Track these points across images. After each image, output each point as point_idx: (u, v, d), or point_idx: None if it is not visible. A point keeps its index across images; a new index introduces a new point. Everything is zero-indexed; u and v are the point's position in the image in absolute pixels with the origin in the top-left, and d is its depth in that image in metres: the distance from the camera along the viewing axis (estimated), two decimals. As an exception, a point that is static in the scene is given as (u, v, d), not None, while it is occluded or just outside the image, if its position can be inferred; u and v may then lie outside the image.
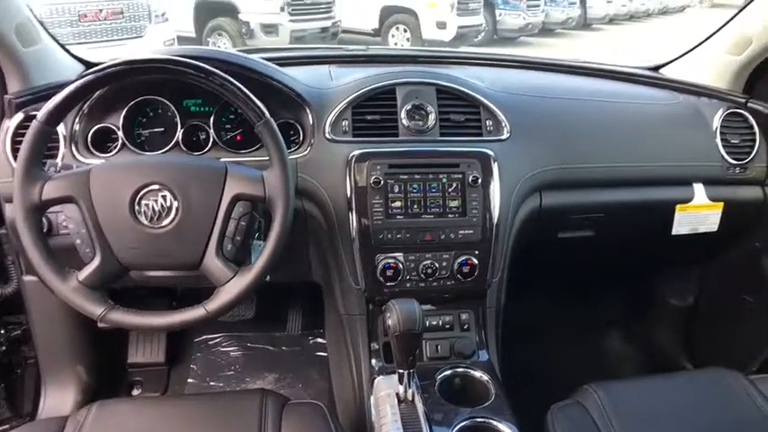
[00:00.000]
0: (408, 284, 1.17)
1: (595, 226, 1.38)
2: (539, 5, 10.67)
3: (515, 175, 1.21)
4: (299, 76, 1.25)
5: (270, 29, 7.02)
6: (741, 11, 1.42)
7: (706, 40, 1.53)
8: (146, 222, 0.93)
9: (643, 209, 1.39)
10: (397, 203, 1.14)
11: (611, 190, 1.35)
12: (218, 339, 1.88)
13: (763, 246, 1.48)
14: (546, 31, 11.42)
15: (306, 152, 1.19)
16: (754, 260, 1.50)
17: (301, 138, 1.22)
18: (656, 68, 1.66)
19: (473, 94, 1.25)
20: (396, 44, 8.51)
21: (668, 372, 1.54)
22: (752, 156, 1.41)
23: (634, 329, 1.79)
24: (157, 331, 1.68)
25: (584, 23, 13.34)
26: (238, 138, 1.22)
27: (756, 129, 1.43)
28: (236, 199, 0.95)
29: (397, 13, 8.53)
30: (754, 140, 1.42)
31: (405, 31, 8.54)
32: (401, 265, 1.16)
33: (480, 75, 1.36)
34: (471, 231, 1.17)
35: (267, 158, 0.97)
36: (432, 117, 1.21)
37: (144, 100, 1.19)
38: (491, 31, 9.83)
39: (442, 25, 8.31)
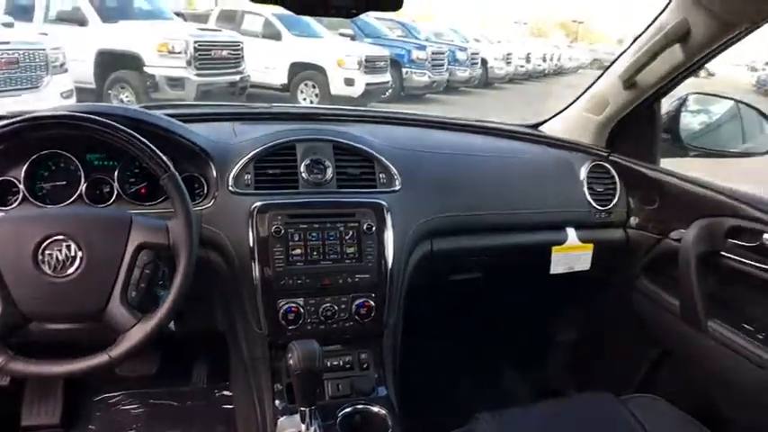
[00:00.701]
0: (309, 327, 1.24)
1: (483, 268, 1.53)
2: (443, 65, 11.37)
3: (407, 223, 1.34)
4: (203, 132, 1.33)
5: (176, 82, 7.01)
6: (600, 77, 1.67)
7: (575, 101, 1.77)
8: (49, 272, 0.96)
9: (524, 251, 1.56)
10: (298, 251, 1.23)
11: (495, 235, 1.51)
12: (118, 397, 1.83)
13: (628, 283, 1.68)
14: (451, 88, 12.15)
15: (210, 204, 1.26)
16: (623, 295, 1.70)
17: (206, 190, 1.29)
18: (535, 126, 1.88)
19: (367, 149, 1.37)
20: (305, 99, 8.75)
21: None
22: (614, 202, 1.63)
23: (526, 362, 1.94)
24: (60, 378, 1.62)
25: (486, 82, 14.32)
26: (143, 191, 1.27)
27: (617, 178, 1.65)
28: (140, 247, 1.00)
29: (306, 69, 8.83)
30: (615, 189, 1.64)
31: (313, 87, 8.82)
32: (302, 309, 1.23)
33: (375, 132, 1.50)
34: (367, 276, 1.27)
35: (172, 210, 1.03)
36: (329, 171, 1.32)
37: (46, 154, 1.22)
38: (398, 89, 10.33)
39: (350, 82, 8.67)
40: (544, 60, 18.43)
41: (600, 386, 1.37)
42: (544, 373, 1.92)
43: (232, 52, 7.66)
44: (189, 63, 7.03)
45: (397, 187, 1.36)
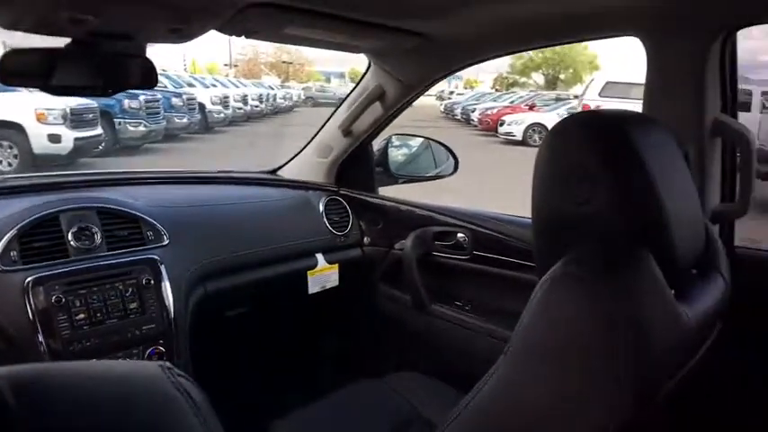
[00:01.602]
0: None
1: (254, 300, 1.76)
2: (159, 113, 11.10)
3: (181, 272, 1.50)
4: None
5: None
6: (324, 124, 2.05)
7: (306, 146, 2.12)
8: None
9: (284, 279, 1.83)
10: (82, 315, 1.29)
11: (259, 270, 1.75)
12: None
13: (371, 289, 2.08)
14: (170, 136, 11.89)
15: None
16: (369, 299, 2.08)
17: None
18: (274, 171, 2.18)
19: (131, 211, 1.49)
20: (0, 163, 7.74)
21: None
22: (349, 227, 2.01)
23: (310, 370, 2.19)
24: None
25: (207, 126, 14.37)
26: None
27: (348, 208, 2.04)
28: None
29: (-2, 128, 7.80)
30: (348, 216, 2.03)
31: (10, 147, 7.84)
32: None
33: (136, 193, 1.62)
34: (153, 326, 1.39)
35: None
36: (98, 236, 1.41)
37: None
38: (112, 141, 9.78)
39: (55, 139, 7.91)
40: (261, 101, 19.19)
41: (368, 373, 1.70)
42: (325, 372, 2.20)
43: None
44: None
45: (166, 242, 1.51)
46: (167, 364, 0.51)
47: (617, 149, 0.81)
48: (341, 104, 1.96)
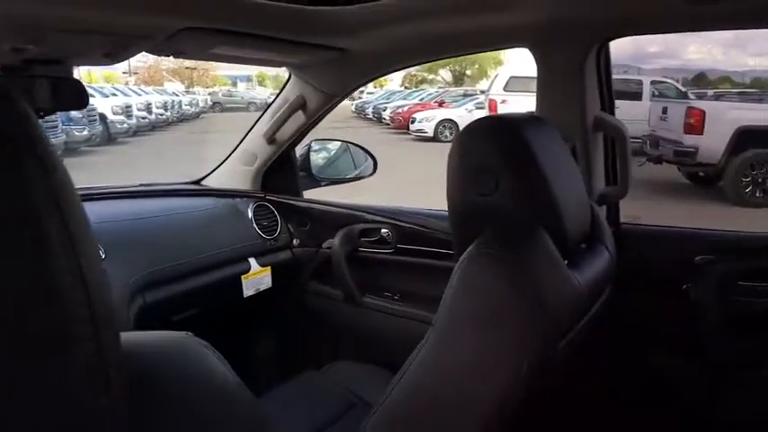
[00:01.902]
0: None
1: (199, 304, 1.83)
2: (57, 127, 10.59)
3: (122, 283, 1.56)
4: None
5: None
6: (248, 133, 2.14)
7: (230, 154, 2.20)
8: None
9: (222, 284, 1.91)
10: None
11: (197, 277, 1.82)
12: None
13: (301, 288, 2.20)
14: (70, 150, 11.37)
15: None
16: (301, 299, 2.20)
17: None
18: (198, 181, 2.25)
19: None
20: None
21: None
22: (278, 231, 2.11)
23: (255, 366, 2.27)
24: None
25: (110, 138, 13.82)
26: None
27: (276, 212, 2.14)
28: None
29: None
30: (276, 220, 2.13)
31: None
32: None
33: None
34: None
35: None
36: None
37: None
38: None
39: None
40: (166, 109, 18.65)
41: (306, 367, 1.81)
42: (265, 371, 2.28)
43: None
44: None
45: (103, 256, 1.57)
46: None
47: (515, 149, 0.99)
48: (264, 113, 2.06)
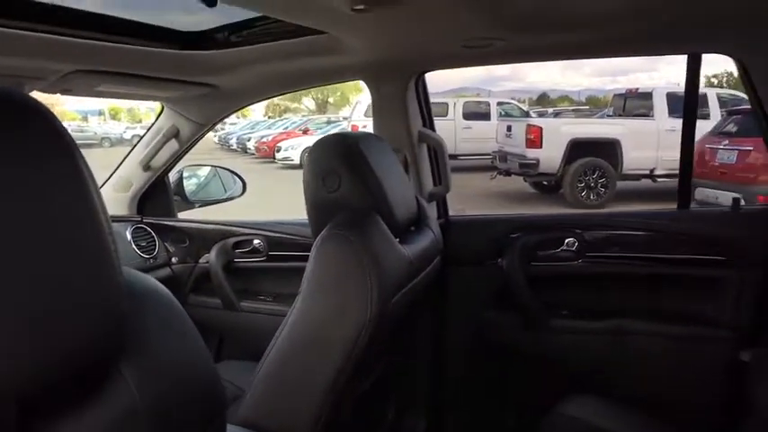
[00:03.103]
0: None
1: None
2: None
3: None
4: None
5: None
6: (121, 163, 2.34)
7: (105, 183, 2.38)
8: None
9: None
10: None
11: None
12: None
13: (182, 302, 2.42)
14: None
15: None
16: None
17: None
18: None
19: None
20: None
21: None
22: (156, 250, 2.32)
23: None
24: None
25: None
26: None
27: (153, 234, 2.35)
28: None
29: None
30: (154, 241, 2.35)
31: None
32: None
33: None
34: None
35: None
36: None
37: None
38: None
39: None
40: None
41: None
42: None
43: None
44: None
45: None
46: None
47: (352, 155, 1.35)
48: (138, 143, 2.30)
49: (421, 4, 1.18)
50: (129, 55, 1.46)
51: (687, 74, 1.83)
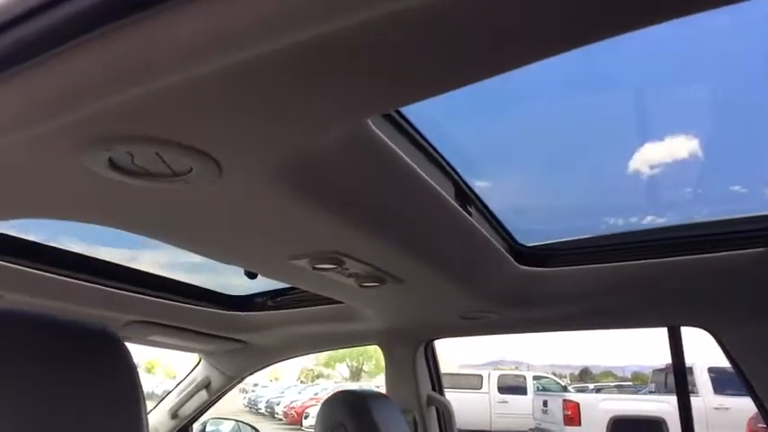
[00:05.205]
0: None
1: None
2: None
3: None
4: None
5: None
6: (152, 410, 2.56)
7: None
8: None
9: None
10: None
11: None
12: None
13: None
14: None
15: None
16: None
17: None
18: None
19: None
20: None
21: None
22: None
23: None
24: None
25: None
26: None
27: None
28: None
29: None
30: None
31: None
32: None
33: None
34: None
35: None
36: None
37: None
38: None
39: None
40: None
41: None
42: None
43: None
44: None
45: None
46: None
47: (360, 413, 1.56)
48: (171, 391, 2.55)
49: (418, 282, 1.50)
50: (178, 311, 1.80)
51: (671, 347, 1.98)
